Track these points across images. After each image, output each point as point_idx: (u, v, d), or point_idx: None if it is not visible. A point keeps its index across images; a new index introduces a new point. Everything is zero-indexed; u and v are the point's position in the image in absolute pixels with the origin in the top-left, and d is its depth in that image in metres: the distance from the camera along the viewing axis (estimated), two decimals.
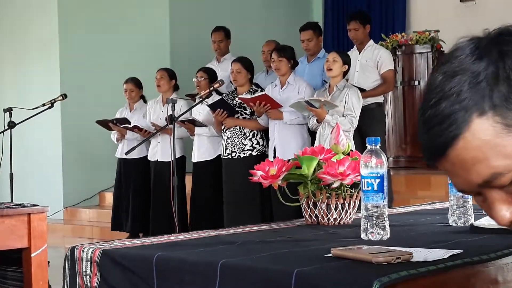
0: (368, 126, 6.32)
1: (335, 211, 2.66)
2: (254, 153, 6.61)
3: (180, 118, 6.69)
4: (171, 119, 5.96)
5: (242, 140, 6.66)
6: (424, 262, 1.79)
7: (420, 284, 1.72)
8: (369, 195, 2.26)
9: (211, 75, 7.32)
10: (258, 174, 2.68)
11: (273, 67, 6.62)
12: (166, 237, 2.45)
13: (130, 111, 8.03)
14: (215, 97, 6.92)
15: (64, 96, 7.29)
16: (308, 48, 7.09)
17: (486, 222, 2.34)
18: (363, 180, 2.28)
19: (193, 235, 2.51)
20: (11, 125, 6.92)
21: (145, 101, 8.11)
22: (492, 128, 0.90)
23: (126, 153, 6.99)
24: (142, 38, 10.02)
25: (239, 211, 6.50)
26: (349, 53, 6.61)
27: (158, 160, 7.59)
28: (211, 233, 2.53)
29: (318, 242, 2.24)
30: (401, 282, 1.65)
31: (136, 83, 8.03)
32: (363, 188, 2.28)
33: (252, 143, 6.66)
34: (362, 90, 6.40)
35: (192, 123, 7.17)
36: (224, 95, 7.00)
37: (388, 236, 2.27)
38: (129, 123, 7.70)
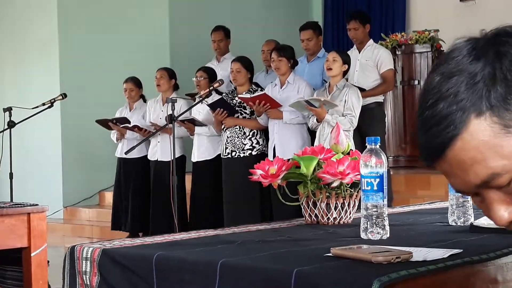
0: (368, 125, 6.32)
1: (335, 211, 2.66)
2: (254, 153, 6.61)
3: (180, 118, 6.69)
4: (171, 118, 5.96)
5: (242, 139, 6.66)
6: (424, 261, 1.79)
7: (420, 284, 1.72)
8: (369, 194, 2.26)
9: (211, 75, 7.32)
10: (257, 173, 2.68)
11: (272, 66, 6.62)
12: (166, 237, 2.45)
13: (130, 111, 8.03)
14: (215, 97, 6.92)
15: (64, 96, 7.29)
16: (308, 47, 7.09)
17: (485, 221, 2.34)
18: (362, 179, 2.28)
19: (193, 234, 2.51)
20: (11, 124, 6.92)
21: (144, 101, 8.11)
22: (490, 128, 0.90)
23: (126, 153, 7.00)
24: (142, 38, 10.02)
25: (239, 211, 6.50)
26: (349, 52, 6.61)
27: (158, 160, 7.59)
28: (211, 232, 2.53)
29: (317, 242, 2.24)
30: (400, 282, 1.65)
31: (135, 82, 8.03)
32: (363, 188, 2.28)
33: (252, 142, 6.66)
34: (362, 90, 6.40)
35: (192, 123, 7.17)
36: (224, 94, 7.00)
37: (388, 235, 2.26)
38: (129, 122, 7.71)
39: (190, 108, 6.78)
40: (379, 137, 2.35)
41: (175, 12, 10.13)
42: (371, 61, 6.74)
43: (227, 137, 6.72)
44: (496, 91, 0.90)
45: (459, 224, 2.58)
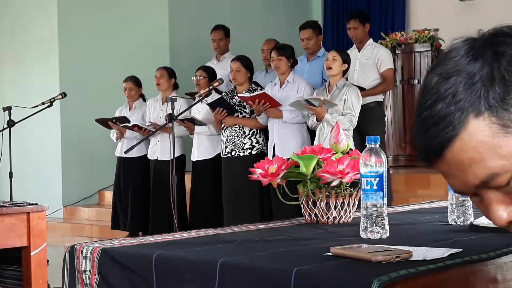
0: (368, 125, 6.32)
1: (335, 210, 2.66)
2: (253, 152, 6.61)
3: (180, 117, 6.68)
4: (171, 117, 5.96)
5: (242, 138, 6.66)
6: (424, 260, 1.79)
7: (420, 283, 1.72)
8: (369, 193, 2.26)
9: (211, 74, 7.32)
10: (257, 172, 2.68)
11: (272, 66, 6.62)
12: (165, 236, 2.45)
13: (130, 110, 8.03)
14: (214, 96, 6.91)
15: (64, 95, 7.29)
16: (307, 47, 7.09)
17: (485, 220, 2.34)
18: (362, 178, 2.28)
19: (193, 233, 2.51)
20: (11, 123, 6.92)
21: (144, 100, 8.11)
22: (488, 128, 0.90)
23: (126, 152, 7.00)
24: (142, 38, 10.02)
25: (239, 210, 6.50)
26: (348, 51, 6.61)
27: (158, 159, 7.59)
28: (210, 231, 2.53)
29: (317, 241, 2.24)
30: (400, 281, 1.65)
31: (135, 81, 8.03)
32: (363, 187, 2.28)
33: (252, 141, 6.66)
34: (361, 89, 6.40)
35: (192, 122, 7.17)
36: (223, 93, 7.00)
37: (388, 235, 2.26)
38: (129, 121, 7.70)
39: (189, 107, 6.78)
40: (378, 137, 2.35)
41: (175, 12, 10.13)
42: (371, 60, 6.74)
43: (227, 136, 6.72)
44: (494, 91, 0.90)
45: (458, 223, 2.58)
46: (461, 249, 1.91)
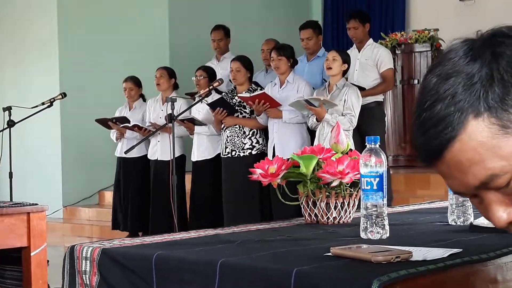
0: (368, 125, 6.32)
1: (335, 210, 2.66)
2: (253, 152, 6.61)
3: (180, 117, 6.68)
4: (171, 118, 5.96)
5: (242, 139, 6.66)
6: (424, 261, 1.79)
7: (420, 283, 1.72)
8: (369, 194, 2.26)
9: (210, 74, 7.33)
10: (257, 172, 2.68)
11: (272, 66, 6.62)
12: (165, 236, 2.45)
13: (130, 110, 8.03)
14: (214, 96, 6.91)
15: (64, 95, 7.29)
16: (307, 47, 7.09)
17: (485, 221, 2.34)
18: (362, 179, 2.28)
19: (193, 234, 2.51)
20: (11, 124, 6.92)
21: (144, 100, 8.11)
22: (488, 129, 0.90)
23: (126, 152, 6.99)
24: (142, 38, 10.02)
25: (239, 210, 6.50)
26: (348, 51, 6.61)
27: (158, 159, 7.59)
28: (210, 232, 2.53)
29: (317, 241, 2.23)
30: (400, 281, 1.65)
31: (135, 81, 8.03)
32: (363, 187, 2.28)
33: (252, 142, 6.66)
34: (361, 89, 6.40)
35: (192, 122, 7.17)
36: (223, 94, 7.00)
37: (388, 235, 2.26)
38: (129, 121, 7.70)
39: (189, 108, 6.78)
40: (378, 137, 2.35)
41: (175, 12, 10.13)
42: (371, 60, 6.74)
43: (227, 136, 6.72)
44: (493, 92, 0.90)
45: (458, 223, 2.58)
46: (461, 250, 1.91)
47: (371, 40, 6.91)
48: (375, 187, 2.25)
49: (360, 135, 5.96)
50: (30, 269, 3.53)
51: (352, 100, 6.06)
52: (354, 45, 6.94)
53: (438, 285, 1.77)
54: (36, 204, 3.63)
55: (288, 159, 2.71)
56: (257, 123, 6.66)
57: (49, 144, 9.92)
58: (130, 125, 7.68)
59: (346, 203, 2.67)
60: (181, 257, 2.04)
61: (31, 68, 10.26)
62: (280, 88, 6.55)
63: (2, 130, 6.88)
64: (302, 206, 2.73)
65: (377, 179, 2.25)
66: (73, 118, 9.72)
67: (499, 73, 0.90)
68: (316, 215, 2.68)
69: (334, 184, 2.60)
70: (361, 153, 2.37)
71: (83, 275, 2.24)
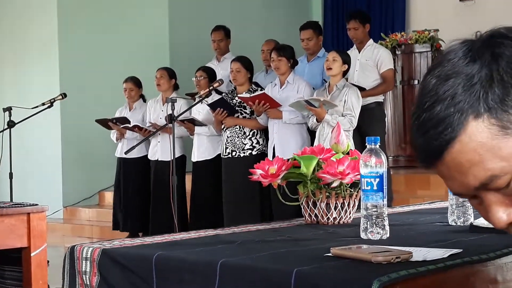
0: (368, 125, 6.32)
1: (335, 211, 2.66)
2: (254, 153, 6.61)
3: (180, 118, 6.69)
4: (171, 118, 5.96)
5: (242, 139, 6.66)
6: (424, 261, 1.79)
7: (420, 284, 1.72)
8: (369, 194, 2.26)
9: (210, 74, 7.33)
10: (257, 173, 2.68)
11: (272, 66, 6.62)
12: (165, 237, 2.45)
13: (130, 110, 8.03)
14: (214, 96, 6.92)
15: (64, 96, 7.29)
16: (308, 47, 7.09)
17: (485, 221, 2.34)
18: (362, 179, 2.28)
19: (193, 234, 2.51)
20: (11, 124, 6.92)
21: (144, 100, 8.12)
22: (487, 130, 0.90)
23: (126, 153, 7.00)
24: (142, 38, 10.02)
25: (239, 210, 6.50)
26: (348, 52, 6.61)
27: (158, 160, 7.59)
28: (210, 232, 2.53)
29: (317, 242, 2.23)
30: (400, 282, 1.65)
31: (135, 82, 8.04)
32: (363, 188, 2.28)
33: (252, 142, 6.66)
34: (362, 89, 6.40)
35: (192, 123, 7.17)
36: (223, 94, 7.00)
37: (388, 235, 2.26)
38: (129, 122, 7.70)
39: (190, 108, 6.78)
40: (379, 137, 2.35)
41: (175, 12, 10.13)
42: (371, 60, 6.74)
43: (227, 137, 6.72)
44: (493, 93, 0.90)
45: (458, 224, 2.58)
46: (461, 250, 1.91)
47: (371, 41, 6.91)
48: (375, 188, 2.25)
49: (360, 135, 5.96)
50: (30, 269, 3.53)
51: (352, 101, 6.06)
52: (354, 46, 6.94)
53: (438, 285, 1.77)
54: (36, 205, 3.63)
55: (288, 160, 2.71)
56: (257, 124, 6.66)
57: (49, 145, 9.92)
58: (130, 125, 7.68)
59: (346, 204, 2.67)
60: (181, 258, 2.04)
61: (31, 68, 10.26)
62: (280, 88, 6.55)
63: (2, 131, 6.88)
64: (302, 207, 2.73)
65: (377, 180, 2.25)
66: (73, 118, 9.72)
67: (498, 74, 0.90)
68: (316, 215, 2.68)
69: (335, 184, 2.60)
70: (361, 153, 2.37)
71: (83, 276, 2.24)
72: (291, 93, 6.45)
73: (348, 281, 1.69)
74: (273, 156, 6.17)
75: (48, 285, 3.73)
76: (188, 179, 7.42)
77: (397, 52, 8.60)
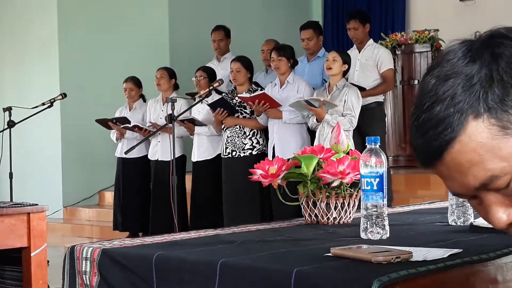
0: (368, 125, 6.32)
1: (335, 210, 2.66)
2: (254, 152, 6.61)
3: (180, 118, 6.69)
4: (171, 118, 5.96)
5: (242, 139, 6.66)
6: (424, 261, 1.79)
7: (420, 284, 1.72)
8: (369, 194, 2.26)
9: (210, 74, 7.33)
10: (257, 173, 2.68)
11: (272, 66, 6.62)
12: (165, 236, 2.45)
13: (130, 110, 8.03)
14: (214, 96, 6.92)
15: (64, 95, 7.29)
16: (308, 47, 7.09)
17: (485, 221, 2.34)
18: (362, 179, 2.28)
19: (193, 234, 2.51)
20: (11, 124, 6.92)
21: (144, 100, 8.12)
22: (487, 130, 0.90)
23: (126, 152, 7.00)
24: (142, 38, 10.03)
25: (239, 210, 6.50)
26: (348, 52, 6.61)
27: (159, 159, 7.59)
28: (210, 232, 2.53)
29: (317, 242, 2.23)
30: (400, 282, 1.65)
31: (135, 82, 8.04)
32: (363, 187, 2.28)
33: (252, 142, 6.66)
34: (362, 89, 6.40)
35: (192, 123, 7.17)
36: (223, 94, 7.00)
37: (388, 235, 2.26)
38: (129, 122, 7.70)
39: (190, 108, 6.78)
40: (379, 137, 2.35)
41: (175, 12, 10.13)
42: (371, 60, 6.74)
43: (228, 136, 6.72)
44: (493, 93, 0.90)
45: (459, 224, 2.58)
46: (461, 250, 1.91)
47: (371, 41, 6.91)
48: (375, 188, 2.25)
49: (360, 135, 5.96)
50: (30, 269, 3.53)
51: (352, 101, 6.06)
52: (355, 46, 6.93)
53: (438, 285, 1.77)
54: (36, 205, 3.63)
55: (288, 160, 2.71)
56: (257, 124, 6.66)
57: (49, 144, 9.92)
58: (130, 125, 7.68)
59: (346, 204, 2.67)
60: (181, 258, 2.04)
61: (31, 68, 10.26)
62: (280, 88, 6.55)
63: (2, 131, 6.88)
64: (302, 207, 2.73)
65: (377, 180, 2.25)
66: (73, 118, 9.72)
67: (498, 74, 0.90)
68: (316, 215, 2.68)
69: (335, 184, 2.60)
70: (361, 153, 2.37)
71: (83, 276, 2.24)
72: (291, 93, 6.45)
73: (348, 281, 1.69)
74: (273, 156, 6.17)
75: (48, 285, 3.73)
76: (188, 179, 7.42)
77: (397, 52, 8.60)
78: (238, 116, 6.72)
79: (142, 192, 7.86)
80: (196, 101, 6.69)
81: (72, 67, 9.80)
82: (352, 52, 6.75)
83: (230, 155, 6.68)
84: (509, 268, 1.91)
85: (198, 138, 7.24)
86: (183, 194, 7.29)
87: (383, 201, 2.26)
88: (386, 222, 2.28)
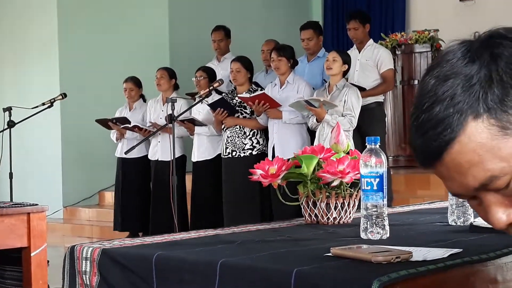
0: (368, 125, 6.32)
1: (335, 210, 2.66)
2: (254, 152, 6.61)
3: (180, 118, 6.69)
4: (171, 118, 5.96)
5: (242, 139, 6.66)
6: (424, 261, 1.79)
7: (420, 283, 1.72)
8: (369, 194, 2.26)
9: (210, 74, 7.33)
10: (257, 173, 2.68)
11: (272, 66, 6.62)
12: (165, 236, 2.45)
13: (130, 110, 8.03)
14: (215, 96, 6.92)
15: (64, 96, 7.29)
16: (308, 47, 7.09)
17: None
18: (362, 179, 2.28)
19: (193, 234, 2.51)
20: (11, 124, 6.92)
21: (144, 100, 8.12)
22: (487, 130, 0.90)
23: (126, 153, 7.00)
24: (142, 38, 10.03)
25: (239, 210, 6.50)
26: (349, 52, 6.61)
27: (159, 159, 7.59)
28: (210, 232, 2.53)
29: (317, 242, 2.23)
30: (400, 282, 1.65)
31: (135, 82, 8.04)
32: (363, 188, 2.28)
33: (252, 142, 6.66)
34: (362, 89, 6.40)
35: (192, 123, 7.17)
36: (223, 94, 7.00)
37: (388, 235, 2.26)
38: (129, 122, 7.70)
39: (190, 108, 6.78)
40: (379, 137, 2.35)
41: (175, 12, 10.13)
42: (371, 61, 6.74)
43: (228, 137, 6.72)
44: (493, 93, 0.90)
45: (458, 224, 2.58)
46: (461, 250, 1.91)
47: (371, 41, 6.91)
48: (375, 188, 2.25)
49: (360, 135, 5.96)
50: (30, 269, 3.53)
51: (352, 101, 6.06)
52: (355, 46, 6.94)
53: (438, 285, 1.77)
54: (36, 205, 3.63)
55: (288, 160, 2.72)
56: (257, 124, 6.66)
57: (49, 144, 9.92)
58: (130, 125, 7.68)
59: (346, 204, 2.67)
60: (181, 258, 2.04)
61: (31, 68, 10.26)
62: (280, 88, 6.55)
63: (2, 131, 6.88)
64: (302, 207, 2.73)
65: (377, 180, 2.25)
66: (73, 118, 9.72)
67: (498, 74, 0.90)
68: (316, 215, 2.68)
69: (335, 183, 2.60)
70: (361, 153, 2.37)
71: (83, 276, 2.24)
72: (291, 93, 6.45)
73: (348, 281, 1.69)
74: (273, 156, 6.17)
75: (48, 285, 3.73)
76: (188, 179, 7.42)
77: (397, 52, 8.60)
78: (238, 116, 6.72)
79: (142, 192, 7.86)
80: (196, 101, 6.69)
81: (72, 67, 9.80)
82: (352, 52, 6.75)
83: (230, 155, 6.68)
84: (509, 268, 1.91)
85: (198, 138, 7.24)
86: (183, 194, 7.29)
87: (383, 201, 2.26)
88: (386, 222, 2.28)
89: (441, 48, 8.51)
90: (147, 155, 7.78)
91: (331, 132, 2.92)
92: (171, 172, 5.82)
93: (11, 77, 10.60)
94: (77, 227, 9.36)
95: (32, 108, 7.01)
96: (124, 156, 7.53)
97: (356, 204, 2.67)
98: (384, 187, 2.27)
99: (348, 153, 2.71)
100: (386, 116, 7.46)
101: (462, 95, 0.91)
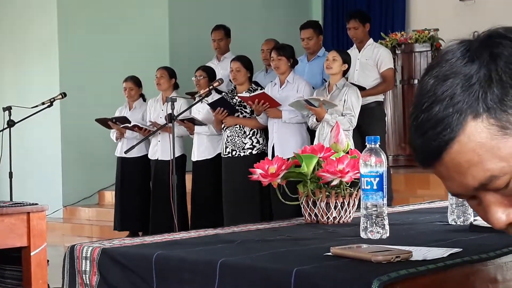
0: (368, 124, 6.32)
1: (335, 210, 2.66)
2: (254, 152, 6.61)
3: (180, 117, 6.68)
4: (171, 117, 5.96)
5: (242, 138, 6.66)
6: (424, 260, 1.79)
7: (420, 283, 1.72)
8: (369, 193, 2.26)
9: (210, 74, 7.33)
10: (257, 172, 2.68)
11: (272, 65, 6.62)
12: (165, 236, 2.45)
13: (130, 110, 8.03)
14: (214, 96, 6.92)
15: (64, 95, 7.29)
16: (308, 46, 7.09)
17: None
18: (362, 178, 2.28)
19: (193, 233, 2.51)
20: (11, 123, 6.92)
21: (144, 100, 8.11)
22: (487, 130, 0.90)
23: (126, 152, 7.00)
24: (142, 38, 10.03)
25: (239, 210, 6.50)
26: (348, 51, 6.61)
27: (159, 159, 7.59)
28: (210, 231, 2.53)
29: (317, 241, 2.23)
30: (400, 281, 1.65)
31: (135, 81, 8.04)
32: (363, 187, 2.28)
33: (252, 141, 6.66)
34: (362, 89, 6.40)
35: (192, 122, 7.17)
36: (223, 93, 7.00)
37: (388, 235, 2.26)
38: (129, 122, 7.70)
39: (190, 107, 6.78)
40: (378, 136, 2.35)
41: (175, 12, 10.13)
42: (371, 60, 6.74)
43: (228, 136, 6.72)
44: (492, 93, 0.90)
45: (458, 223, 2.58)
46: (461, 249, 1.91)
47: (371, 40, 6.91)
48: (375, 187, 2.25)
49: (360, 135, 5.97)
50: (30, 269, 3.53)
51: (352, 100, 6.06)
52: (354, 45, 6.94)
53: (438, 284, 1.77)
54: (36, 204, 3.64)
55: (288, 159, 2.71)
56: (257, 123, 6.66)
57: (49, 144, 9.92)
58: (130, 125, 7.68)
59: (346, 203, 2.67)
60: (181, 257, 2.04)
61: (31, 68, 10.26)
62: (280, 88, 6.55)
63: (2, 130, 6.88)
64: (302, 206, 2.73)
65: (377, 179, 2.25)
66: (73, 118, 9.72)
67: (497, 74, 0.90)
68: (316, 215, 2.68)
69: (334, 183, 2.60)
70: (361, 153, 2.37)
71: (83, 275, 2.24)
72: (291, 92, 6.45)
73: (348, 281, 1.69)
74: (273, 155, 6.17)
75: (48, 285, 3.73)
76: (188, 178, 7.42)
77: (397, 52, 8.60)
78: (238, 116, 6.72)
79: (142, 192, 7.86)
80: (196, 100, 6.69)
81: (72, 67, 9.80)
82: (352, 51, 6.75)
83: (230, 155, 6.68)
84: (508, 268, 1.91)
85: (198, 138, 7.24)
86: (183, 194, 7.29)
87: (383, 200, 2.26)
88: (386, 222, 2.28)
89: (441, 47, 8.51)
90: (147, 155, 7.78)
91: (331, 131, 2.92)
92: (171, 172, 5.82)
93: (11, 77, 10.60)
94: (77, 226, 9.36)
95: (32, 107, 7.01)
96: (124, 155, 7.52)
97: (356, 203, 2.67)
98: (384, 186, 2.27)
99: (347, 152, 2.71)
100: (386, 116, 7.46)
101: (461, 95, 0.90)
